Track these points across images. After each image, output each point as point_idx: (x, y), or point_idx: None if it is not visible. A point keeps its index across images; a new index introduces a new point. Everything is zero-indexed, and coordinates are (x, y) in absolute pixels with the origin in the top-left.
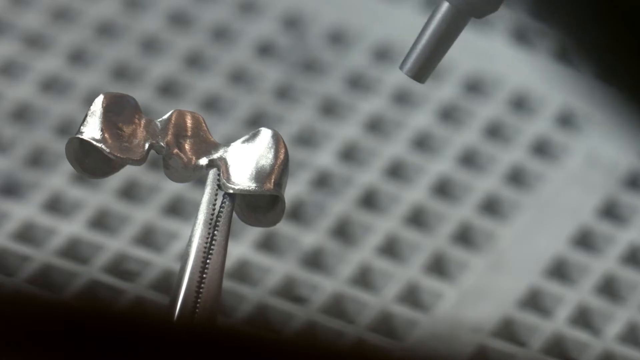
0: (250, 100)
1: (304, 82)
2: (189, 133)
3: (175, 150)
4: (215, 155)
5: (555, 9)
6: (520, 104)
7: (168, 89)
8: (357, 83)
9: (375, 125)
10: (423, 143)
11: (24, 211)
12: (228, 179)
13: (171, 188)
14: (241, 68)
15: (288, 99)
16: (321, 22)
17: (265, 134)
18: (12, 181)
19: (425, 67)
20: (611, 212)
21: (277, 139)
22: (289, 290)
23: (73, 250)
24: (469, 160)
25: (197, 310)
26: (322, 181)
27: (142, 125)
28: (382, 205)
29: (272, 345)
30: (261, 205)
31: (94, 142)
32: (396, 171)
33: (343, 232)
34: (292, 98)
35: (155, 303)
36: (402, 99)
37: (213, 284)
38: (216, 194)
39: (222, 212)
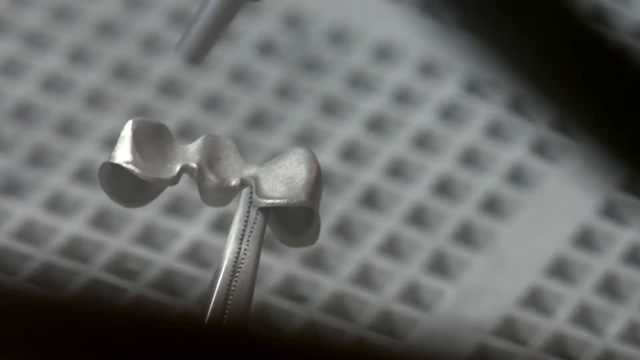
0: (251, 99)
1: (305, 81)
2: (221, 155)
3: (208, 173)
4: (247, 175)
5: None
6: (521, 103)
7: (169, 88)
8: (358, 82)
9: (376, 124)
10: (424, 142)
11: (24, 210)
12: (260, 194)
13: (171, 186)
14: (242, 67)
15: (289, 98)
16: (322, 21)
17: (297, 152)
18: (13, 180)
19: (202, 49)
20: (611, 211)
21: (308, 156)
22: (289, 289)
23: (74, 249)
24: (470, 159)
25: (224, 320)
26: (323, 180)
27: (173, 149)
28: (382, 204)
29: (273, 345)
30: (297, 224)
31: (125, 165)
32: (397, 170)
33: (344, 231)
34: (292, 97)
35: (156, 302)
36: (402, 98)
37: (241, 298)
38: (248, 211)
39: (254, 227)
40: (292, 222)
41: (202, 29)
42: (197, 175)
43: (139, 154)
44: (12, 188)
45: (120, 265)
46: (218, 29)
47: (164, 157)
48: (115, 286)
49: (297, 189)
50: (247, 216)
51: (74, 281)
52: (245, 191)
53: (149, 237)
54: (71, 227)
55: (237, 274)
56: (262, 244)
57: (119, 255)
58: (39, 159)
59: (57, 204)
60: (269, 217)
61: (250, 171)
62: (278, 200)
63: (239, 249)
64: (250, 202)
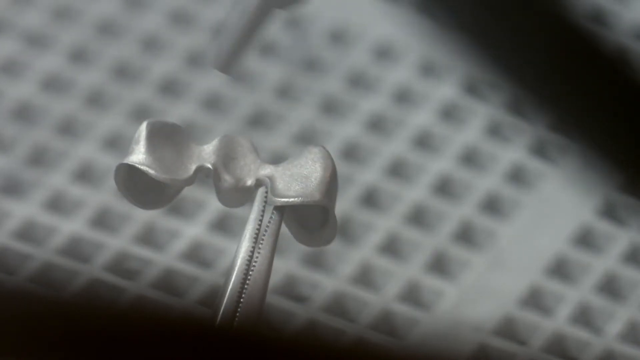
0: (251, 99)
1: (305, 81)
2: (237, 156)
3: (223, 173)
4: (263, 174)
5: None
6: (520, 105)
7: (169, 88)
8: (358, 82)
9: (376, 124)
10: (424, 142)
11: (25, 210)
12: (275, 193)
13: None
14: (242, 67)
15: (289, 98)
16: (322, 20)
17: (312, 150)
18: (13, 180)
19: (232, 59)
20: (611, 211)
21: (323, 154)
22: (289, 289)
23: (74, 249)
24: (470, 158)
25: (235, 322)
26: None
27: (189, 149)
28: (382, 204)
29: (273, 345)
30: (314, 223)
31: (140, 166)
32: (397, 170)
33: (344, 230)
34: (292, 97)
35: (156, 302)
36: (402, 97)
37: (254, 297)
38: (263, 210)
39: (268, 226)
40: (310, 221)
41: (232, 38)
42: (213, 176)
43: (153, 155)
44: (12, 188)
45: (120, 265)
46: (248, 37)
47: (180, 158)
48: (115, 286)
49: (312, 188)
50: (262, 215)
51: (74, 281)
52: (260, 190)
53: (149, 237)
54: (71, 227)
55: (250, 273)
56: (277, 243)
57: (119, 255)
58: (39, 159)
59: (57, 204)
60: (285, 216)
61: (265, 171)
62: (292, 199)
63: (253, 247)
64: (266, 201)
